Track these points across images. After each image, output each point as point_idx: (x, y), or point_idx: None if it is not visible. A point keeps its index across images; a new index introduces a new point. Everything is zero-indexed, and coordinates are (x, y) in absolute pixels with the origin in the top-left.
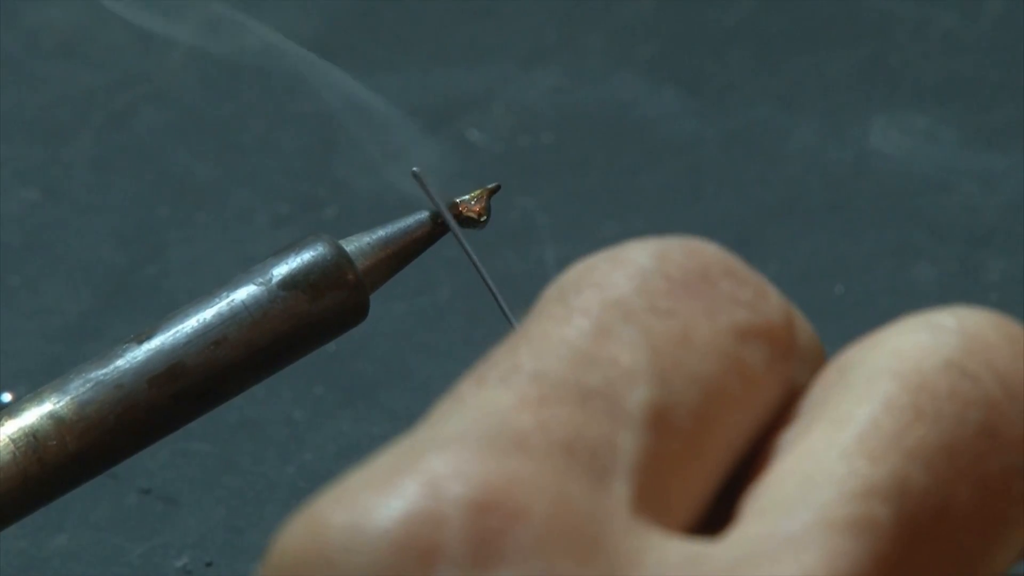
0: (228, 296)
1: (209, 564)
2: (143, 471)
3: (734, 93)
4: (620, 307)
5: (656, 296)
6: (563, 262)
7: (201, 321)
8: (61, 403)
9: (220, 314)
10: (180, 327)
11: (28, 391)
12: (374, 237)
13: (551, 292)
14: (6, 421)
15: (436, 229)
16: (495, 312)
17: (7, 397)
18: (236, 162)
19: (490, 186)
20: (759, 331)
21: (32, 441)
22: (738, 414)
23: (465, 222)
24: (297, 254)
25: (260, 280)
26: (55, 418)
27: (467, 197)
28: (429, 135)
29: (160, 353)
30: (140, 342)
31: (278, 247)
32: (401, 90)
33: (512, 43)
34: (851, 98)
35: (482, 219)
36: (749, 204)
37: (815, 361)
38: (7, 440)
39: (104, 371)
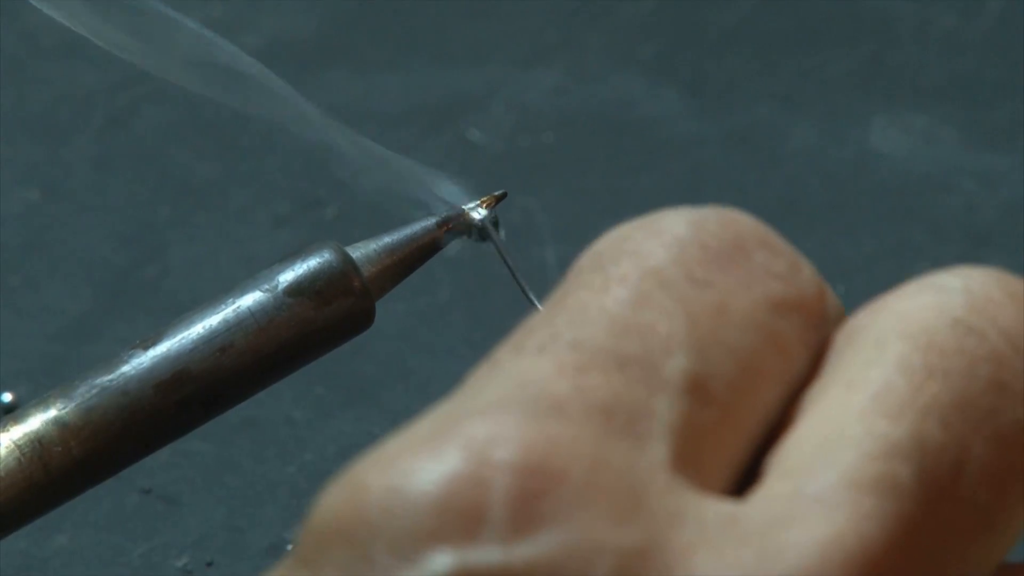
0: (234, 303)
1: (209, 564)
2: (143, 471)
3: (734, 93)
4: (658, 276)
5: (693, 266)
6: (563, 262)
7: (207, 328)
8: (66, 409)
9: (226, 321)
10: (186, 333)
11: (28, 391)
12: (380, 244)
13: (586, 261)
14: (11, 427)
15: (442, 236)
16: (495, 312)
17: (7, 397)
18: (236, 162)
19: (497, 193)
20: (793, 304)
21: (37, 447)
22: (771, 385)
23: (471, 229)
24: (303, 261)
25: (266, 287)
26: (60, 424)
27: (474, 204)
28: (429, 135)
29: (166, 360)
30: (146, 348)
31: (281, 250)
32: (401, 90)
33: (512, 43)
34: (851, 98)
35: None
36: (749, 204)
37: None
38: (12, 446)
39: (110, 377)
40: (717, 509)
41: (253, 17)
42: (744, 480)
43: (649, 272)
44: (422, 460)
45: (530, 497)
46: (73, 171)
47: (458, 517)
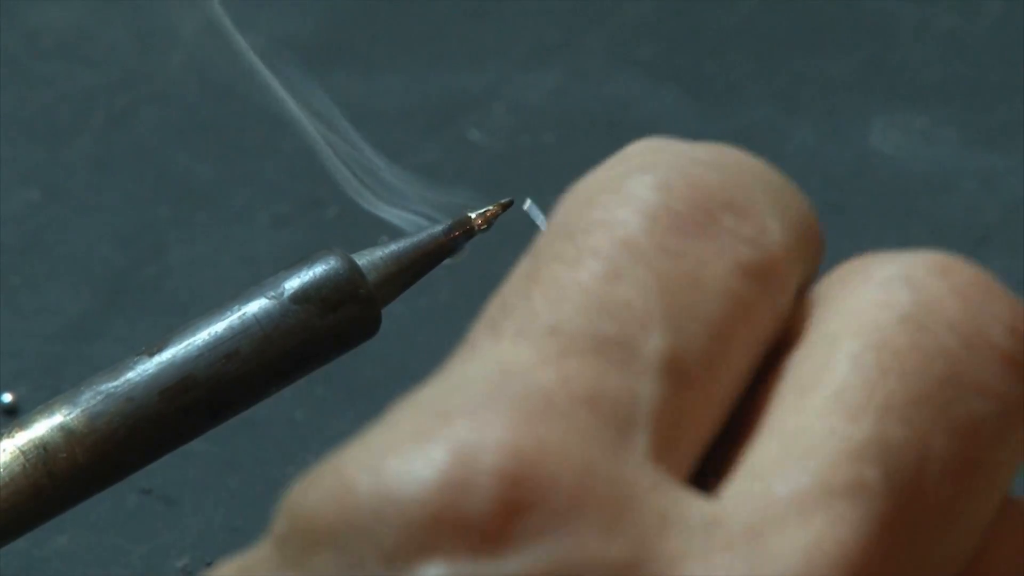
0: (240, 309)
1: (209, 564)
2: (143, 471)
3: (734, 93)
4: (630, 247)
5: (664, 235)
6: None
7: (213, 334)
8: (71, 415)
9: (232, 327)
10: (192, 340)
11: (28, 391)
12: (386, 251)
13: (556, 228)
14: (16, 432)
15: (448, 243)
16: None
17: (7, 397)
18: (236, 162)
19: (502, 201)
20: (761, 268)
21: (42, 453)
22: (740, 355)
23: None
24: (309, 268)
25: (272, 294)
26: (65, 430)
27: (480, 212)
28: (429, 135)
29: (171, 366)
30: (151, 355)
31: (281, 250)
32: (401, 90)
33: (512, 43)
34: (851, 98)
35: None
36: None
37: (815, 259)
38: (17, 452)
39: (115, 383)
40: (699, 510)
41: (253, 17)
42: (706, 463)
43: (622, 243)
44: (411, 463)
45: (522, 508)
46: (73, 171)
47: (450, 528)
